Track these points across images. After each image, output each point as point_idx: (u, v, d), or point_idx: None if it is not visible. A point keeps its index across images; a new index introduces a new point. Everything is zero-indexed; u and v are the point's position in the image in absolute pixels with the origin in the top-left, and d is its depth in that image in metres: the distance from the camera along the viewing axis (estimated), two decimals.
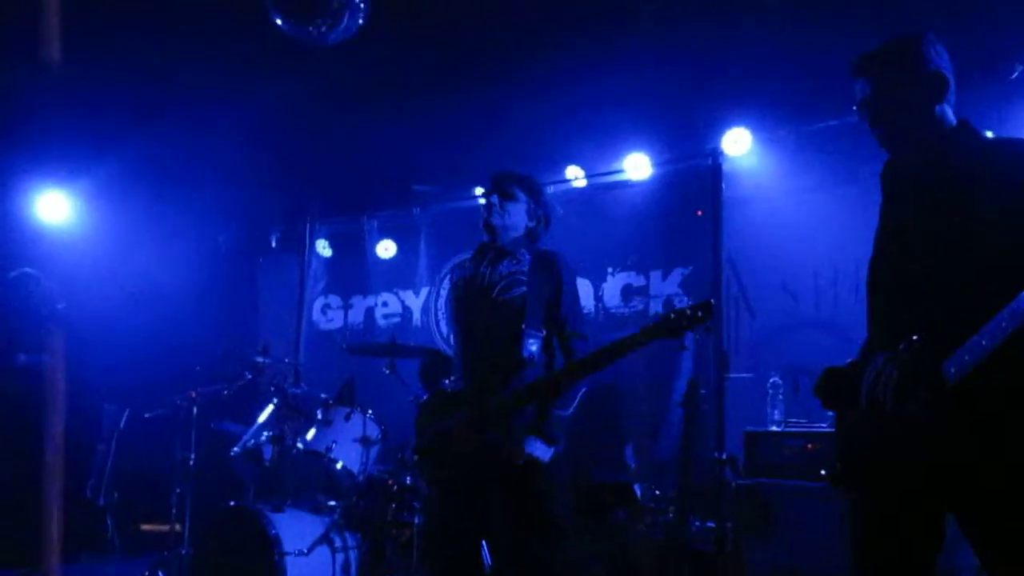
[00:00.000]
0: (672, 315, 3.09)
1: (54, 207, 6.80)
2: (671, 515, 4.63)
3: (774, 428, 4.47)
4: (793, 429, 4.36)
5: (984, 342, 2.00)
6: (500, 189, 3.56)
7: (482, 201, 3.62)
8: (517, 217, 3.55)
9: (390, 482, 4.87)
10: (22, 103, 5.30)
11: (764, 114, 5.35)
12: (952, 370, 2.06)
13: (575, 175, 6.14)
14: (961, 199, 2.22)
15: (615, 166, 6.01)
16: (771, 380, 4.61)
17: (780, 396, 4.55)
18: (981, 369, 2.02)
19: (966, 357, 2.04)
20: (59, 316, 5.64)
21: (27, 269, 5.93)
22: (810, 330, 5.30)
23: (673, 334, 3.07)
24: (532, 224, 3.59)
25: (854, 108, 2.45)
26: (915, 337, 2.13)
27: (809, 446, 4.17)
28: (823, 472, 4.05)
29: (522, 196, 3.55)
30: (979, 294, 2.07)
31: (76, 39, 4.34)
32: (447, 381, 3.67)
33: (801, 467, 4.14)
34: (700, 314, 3.04)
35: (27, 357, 5.34)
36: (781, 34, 4.64)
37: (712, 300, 3.08)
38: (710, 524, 4.57)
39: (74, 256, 6.64)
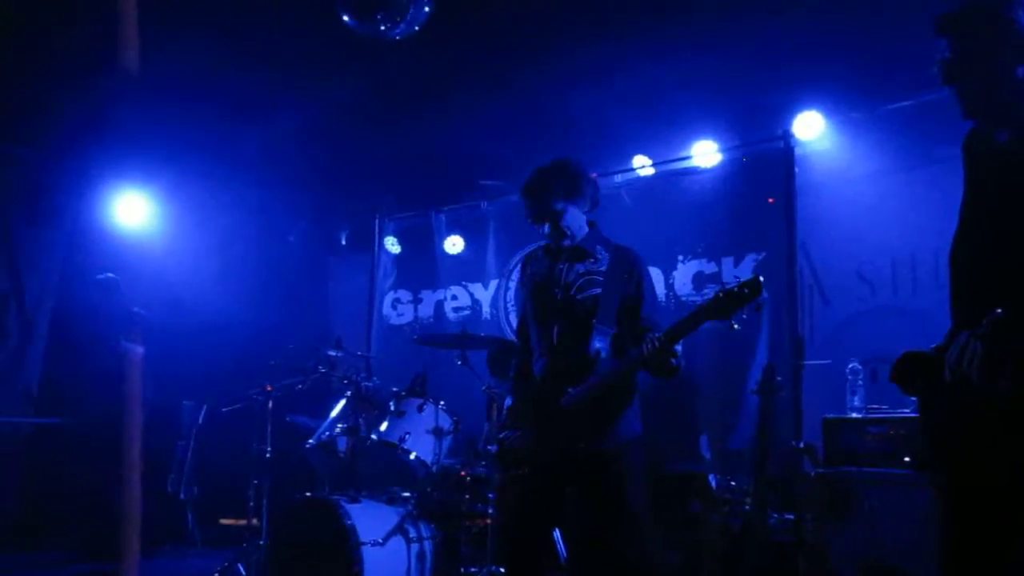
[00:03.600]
0: (721, 294, 2.99)
1: (132, 210, 7.01)
2: (747, 507, 4.54)
3: (854, 415, 4.35)
4: (875, 415, 4.23)
5: None
6: (543, 216, 3.43)
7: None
8: (572, 220, 3.46)
9: (463, 473, 4.90)
10: (102, 108, 5.47)
11: (836, 96, 5.22)
12: None
13: (642, 163, 6.10)
14: None
15: (683, 153, 5.95)
16: (850, 366, 4.49)
17: (860, 382, 4.43)
18: None
19: None
20: (137, 319, 5.83)
21: (110, 274, 6.13)
22: (888, 317, 5.16)
23: (722, 315, 2.97)
24: (587, 209, 3.49)
25: (933, 68, 2.38)
26: (999, 311, 2.04)
27: (892, 432, 4.06)
28: (907, 459, 3.95)
29: (561, 204, 3.42)
30: None
31: (152, 45, 4.50)
32: (512, 373, 3.65)
33: (884, 454, 4.03)
34: (747, 291, 2.93)
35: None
36: (852, 13, 4.51)
37: (760, 277, 2.95)
38: (789, 516, 4.47)
39: (151, 257, 6.82)
